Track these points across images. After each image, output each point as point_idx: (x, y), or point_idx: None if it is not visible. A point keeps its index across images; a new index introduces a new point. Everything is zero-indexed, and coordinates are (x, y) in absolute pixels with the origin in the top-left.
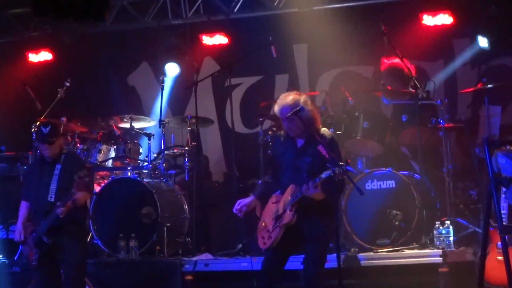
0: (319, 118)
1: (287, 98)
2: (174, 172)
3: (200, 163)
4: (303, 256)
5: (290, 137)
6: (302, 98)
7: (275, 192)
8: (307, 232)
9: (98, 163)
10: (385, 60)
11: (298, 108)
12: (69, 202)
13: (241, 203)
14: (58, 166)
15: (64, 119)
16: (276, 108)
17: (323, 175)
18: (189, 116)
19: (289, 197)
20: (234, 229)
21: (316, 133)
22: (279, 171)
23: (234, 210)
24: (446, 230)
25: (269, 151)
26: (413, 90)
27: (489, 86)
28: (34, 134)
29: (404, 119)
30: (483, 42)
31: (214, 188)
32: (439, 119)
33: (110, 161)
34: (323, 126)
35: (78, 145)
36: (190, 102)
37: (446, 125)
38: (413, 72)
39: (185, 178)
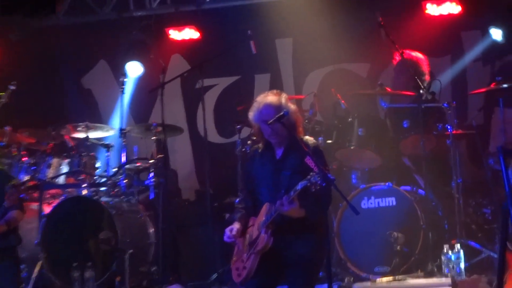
0: (302, 122)
1: (266, 99)
2: (137, 189)
3: (167, 179)
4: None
5: (268, 147)
6: (283, 98)
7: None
8: (289, 257)
9: (48, 179)
10: (397, 57)
11: (281, 113)
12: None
13: (234, 229)
14: None
15: (8, 128)
16: (254, 112)
17: (298, 187)
18: (154, 123)
19: (263, 218)
20: (207, 256)
21: (299, 140)
22: (256, 189)
23: (226, 238)
24: (456, 255)
25: (245, 165)
26: (416, 92)
27: (505, 85)
28: None
29: (405, 125)
30: (496, 34)
31: (184, 207)
32: (446, 125)
33: (62, 177)
34: (311, 134)
35: (24, 158)
36: (155, 107)
37: (454, 131)
38: (427, 66)
39: (150, 196)
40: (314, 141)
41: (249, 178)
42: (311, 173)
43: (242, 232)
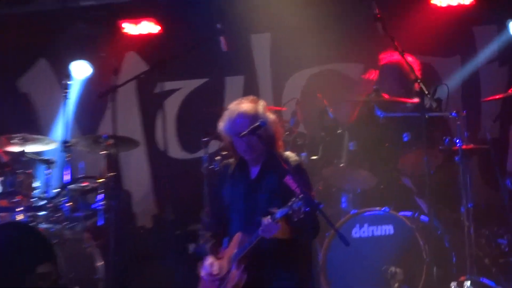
0: (282, 135)
1: (240, 107)
2: (83, 214)
3: (120, 202)
4: None
5: (241, 165)
6: (261, 105)
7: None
8: None
9: None
10: (383, 56)
11: (257, 123)
12: None
13: (215, 265)
14: None
15: None
16: (225, 123)
17: (277, 215)
18: (104, 135)
19: (235, 250)
20: None
21: (278, 157)
22: (226, 215)
23: (204, 276)
24: None
25: (213, 186)
26: (418, 98)
27: None
28: None
29: (406, 139)
30: None
31: (140, 236)
32: (455, 138)
33: None
34: (293, 149)
35: None
36: (106, 115)
37: (464, 146)
38: (418, 70)
39: (99, 222)
40: (297, 157)
41: (218, 201)
42: (293, 199)
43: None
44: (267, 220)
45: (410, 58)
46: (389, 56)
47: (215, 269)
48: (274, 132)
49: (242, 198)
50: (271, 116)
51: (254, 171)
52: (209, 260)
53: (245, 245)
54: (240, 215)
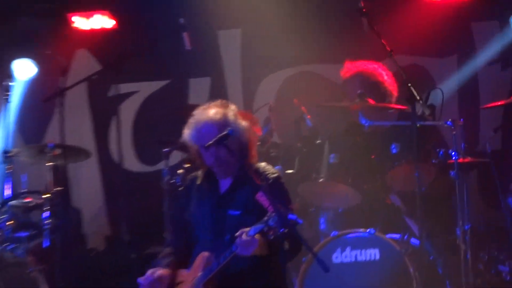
0: (255, 145)
1: (207, 114)
2: (26, 234)
3: (68, 220)
4: None
5: (210, 178)
6: (231, 111)
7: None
8: None
9: None
10: (343, 72)
11: (225, 132)
12: None
13: (157, 272)
14: None
15: None
16: (191, 131)
17: (251, 232)
18: (50, 144)
19: (199, 272)
20: None
21: (252, 169)
22: (192, 233)
23: (141, 280)
24: None
25: (176, 201)
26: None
27: None
28: None
29: (394, 151)
30: None
31: (91, 260)
32: (450, 150)
33: None
34: (266, 160)
35: None
36: (52, 122)
37: (461, 159)
38: (395, 89)
39: (44, 244)
40: (274, 170)
41: (182, 218)
42: (269, 213)
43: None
44: (244, 235)
45: (375, 66)
46: (349, 69)
47: (155, 275)
48: (247, 141)
49: (210, 215)
50: (243, 124)
51: (224, 185)
52: (160, 271)
53: (212, 266)
54: (207, 234)
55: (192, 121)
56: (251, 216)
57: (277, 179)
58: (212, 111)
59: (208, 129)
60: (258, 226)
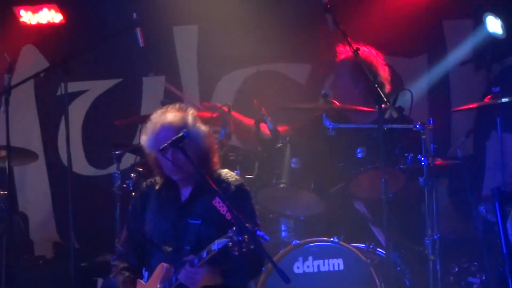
0: (216, 150)
1: (165, 118)
2: None
3: (13, 226)
4: None
5: (170, 186)
6: (190, 116)
7: (142, 276)
8: None
9: None
10: (341, 50)
11: (180, 134)
12: None
13: None
14: None
15: None
16: (148, 136)
17: (214, 247)
18: None
19: (158, 286)
20: None
21: (212, 176)
22: (148, 244)
23: None
24: None
25: (131, 208)
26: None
27: (505, 100)
28: None
29: (360, 155)
30: (494, 25)
31: (38, 268)
32: (419, 156)
33: None
34: (223, 165)
35: None
36: None
37: (431, 165)
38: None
39: None
40: (237, 177)
41: (137, 226)
42: (235, 227)
43: None
44: (195, 259)
45: (373, 51)
46: (341, 52)
47: None
48: (207, 147)
49: (171, 224)
50: (202, 128)
51: (185, 192)
52: None
53: (171, 280)
54: (166, 243)
55: (149, 125)
56: (211, 226)
57: (240, 186)
58: (170, 115)
59: (166, 134)
60: (223, 240)
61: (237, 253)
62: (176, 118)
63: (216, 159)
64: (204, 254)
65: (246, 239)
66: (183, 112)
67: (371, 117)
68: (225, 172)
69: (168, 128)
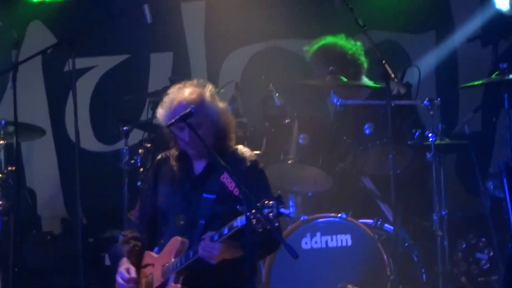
0: (233, 128)
1: (182, 93)
2: None
3: (21, 202)
4: None
5: (184, 159)
6: (208, 91)
7: (152, 248)
8: None
9: None
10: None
11: (187, 110)
12: None
13: (131, 271)
14: None
15: None
16: (165, 111)
17: (237, 223)
18: (2, 122)
19: (172, 259)
20: None
21: (227, 152)
22: (160, 216)
23: (121, 283)
24: None
25: (142, 182)
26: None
27: None
28: None
29: (367, 132)
30: (501, 2)
31: (46, 244)
32: (427, 132)
33: None
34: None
35: None
36: (5, 98)
37: (438, 141)
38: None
39: None
40: (253, 154)
41: (150, 198)
42: (261, 202)
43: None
44: (215, 235)
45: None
46: (311, 45)
47: (133, 275)
48: (224, 123)
49: (183, 196)
50: (220, 105)
51: (198, 166)
52: (125, 264)
53: (188, 255)
54: (179, 217)
55: (166, 100)
56: (226, 202)
57: (255, 164)
58: (187, 91)
59: (183, 109)
60: (241, 219)
61: (260, 230)
62: (193, 94)
63: (232, 135)
64: (226, 231)
65: (263, 218)
66: (201, 88)
67: (365, 93)
68: (240, 148)
69: (185, 103)
